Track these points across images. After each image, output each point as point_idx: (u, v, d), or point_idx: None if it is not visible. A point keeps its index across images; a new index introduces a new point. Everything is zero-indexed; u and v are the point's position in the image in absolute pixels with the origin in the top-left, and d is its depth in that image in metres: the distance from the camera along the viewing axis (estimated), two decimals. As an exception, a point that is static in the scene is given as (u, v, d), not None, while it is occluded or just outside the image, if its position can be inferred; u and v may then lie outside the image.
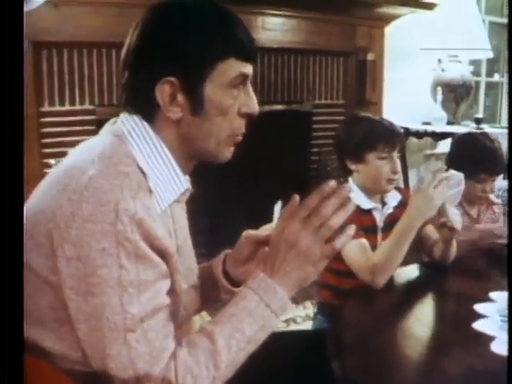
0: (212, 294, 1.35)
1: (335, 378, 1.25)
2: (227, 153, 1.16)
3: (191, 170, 1.20)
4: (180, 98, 1.06)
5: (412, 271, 1.98)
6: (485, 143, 2.32)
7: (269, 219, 1.31)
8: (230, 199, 3.40)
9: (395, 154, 1.94)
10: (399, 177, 1.97)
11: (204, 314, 2.66)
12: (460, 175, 1.82)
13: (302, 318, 2.94)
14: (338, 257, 1.85)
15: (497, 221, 2.35)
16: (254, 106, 1.13)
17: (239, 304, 1.06)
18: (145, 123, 1.09)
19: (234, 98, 1.10)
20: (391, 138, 1.95)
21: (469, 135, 2.51)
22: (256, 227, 1.34)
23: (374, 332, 1.50)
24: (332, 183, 1.06)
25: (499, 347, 1.36)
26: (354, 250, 1.81)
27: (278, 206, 1.26)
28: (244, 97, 1.12)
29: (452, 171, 1.83)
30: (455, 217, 1.81)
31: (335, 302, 1.92)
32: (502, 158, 2.25)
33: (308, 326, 2.67)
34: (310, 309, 2.80)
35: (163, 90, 1.05)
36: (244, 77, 1.11)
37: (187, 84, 1.06)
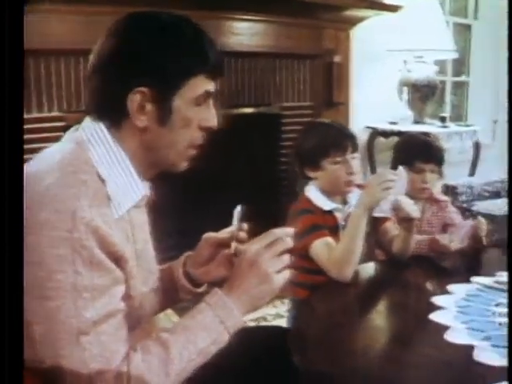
0: (173, 294, 1.39)
1: (298, 372, 1.30)
2: (184, 163, 1.22)
3: (152, 177, 1.24)
4: (149, 107, 1.11)
5: (374, 267, 2.05)
6: (419, 136, 2.47)
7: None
8: (200, 202, 3.44)
9: (349, 156, 2.01)
10: (357, 177, 2.02)
11: (170, 311, 2.68)
12: (399, 169, 1.92)
13: (273, 316, 2.98)
14: (304, 255, 1.93)
15: (442, 220, 2.40)
16: (214, 120, 1.20)
17: (195, 317, 1.13)
18: (105, 130, 1.13)
19: (197, 112, 1.16)
20: (341, 141, 2.02)
21: (406, 134, 2.63)
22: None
23: (337, 325, 1.55)
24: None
25: (453, 336, 1.43)
26: (320, 248, 1.90)
27: (237, 210, 1.30)
28: (206, 111, 1.18)
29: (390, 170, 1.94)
30: (410, 206, 1.90)
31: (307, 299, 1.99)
32: (436, 147, 2.34)
33: (278, 324, 2.71)
34: (280, 307, 2.84)
35: (134, 99, 1.10)
36: (209, 94, 1.17)
37: (158, 95, 1.11)
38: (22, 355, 0.95)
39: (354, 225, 1.85)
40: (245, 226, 1.30)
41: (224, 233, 1.35)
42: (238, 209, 1.30)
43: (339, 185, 2.02)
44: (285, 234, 1.17)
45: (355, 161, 2.02)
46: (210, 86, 1.17)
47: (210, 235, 1.38)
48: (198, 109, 1.16)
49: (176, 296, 1.40)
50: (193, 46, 1.14)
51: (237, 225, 1.30)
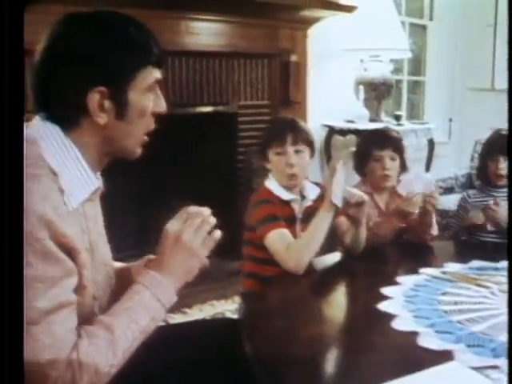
0: None
1: (250, 363, 1.33)
2: (139, 150, 1.28)
3: (104, 166, 1.28)
4: (107, 104, 1.16)
5: (329, 259, 2.09)
6: (378, 128, 2.73)
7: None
8: (160, 200, 3.45)
9: (290, 148, 2.05)
10: (298, 170, 2.06)
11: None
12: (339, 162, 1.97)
13: (231, 311, 3.01)
14: (259, 245, 1.96)
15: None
16: (163, 105, 1.28)
17: (133, 298, 1.18)
18: (56, 127, 1.16)
19: (149, 100, 1.23)
20: (280, 133, 2.07)
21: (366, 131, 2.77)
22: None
23: (287, 315, 1.59)
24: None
25: (400, 324, 1.49)
26: (276, 239, 1.93)
27: None
28: (155, 98, 1.25)
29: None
30: (358, 192, 1.94)
31: (258, 290, 2.02)
32: (390, 135, 2.43)
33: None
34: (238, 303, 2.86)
35: (93, 99, 1.15)
36: (157, 81, 1.24)
37: (114, 92, 1.16)
38: (22, 355, 0.98)
39: (320, 219, 1.90)
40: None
41: None
42: None
43: (281, 176, 2.07)
44: (199, 211, 1.25)
45: (301, 154, 2.07)
46: (158, 74, 1.25)
47: None
48: (149, 96, 1.23)
49: None
50: (139, 41, 1.20)
51: None
